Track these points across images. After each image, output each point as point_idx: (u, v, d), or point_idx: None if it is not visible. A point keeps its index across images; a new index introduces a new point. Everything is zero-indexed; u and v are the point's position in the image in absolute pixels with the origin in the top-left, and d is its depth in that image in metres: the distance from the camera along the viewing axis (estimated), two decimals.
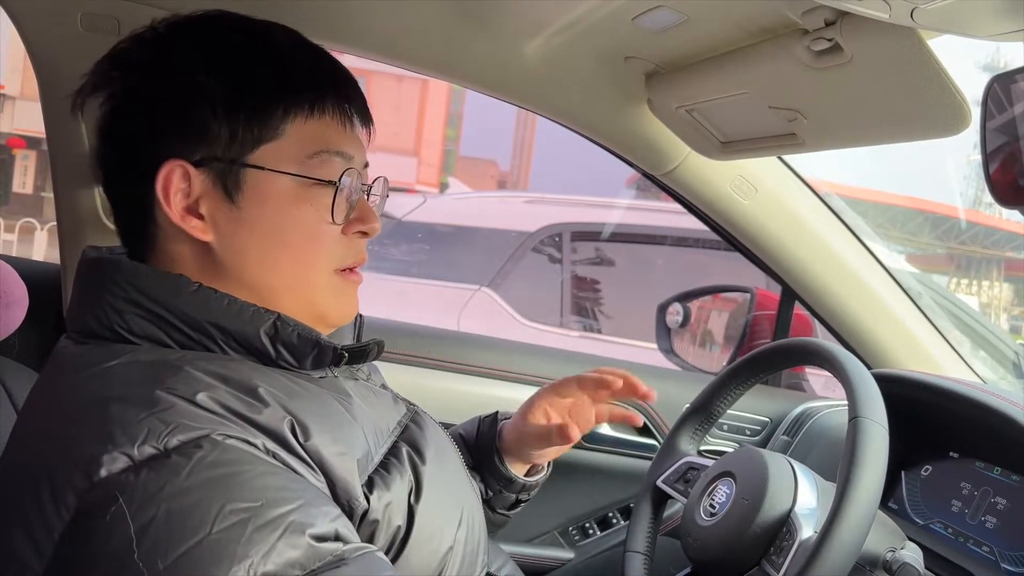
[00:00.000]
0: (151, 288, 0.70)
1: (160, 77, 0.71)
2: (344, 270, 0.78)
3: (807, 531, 0.86)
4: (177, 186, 0.70)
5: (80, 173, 1.28)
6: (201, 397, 0.63)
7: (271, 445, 0.63)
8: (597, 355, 1.80)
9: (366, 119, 0.79)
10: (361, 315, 0.88)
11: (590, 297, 3.97)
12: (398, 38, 1.22)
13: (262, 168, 0.71)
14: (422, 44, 1.23)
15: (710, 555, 0.95)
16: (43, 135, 1.25)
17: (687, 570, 1.03)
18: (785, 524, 0.89)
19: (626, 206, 4.27)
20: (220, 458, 0.60)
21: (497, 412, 1.05)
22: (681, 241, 3.69)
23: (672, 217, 3.64)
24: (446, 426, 0.96)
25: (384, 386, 0.87)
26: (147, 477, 0.58)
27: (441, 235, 3.92)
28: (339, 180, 0.74)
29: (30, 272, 1.11)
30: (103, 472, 0.58)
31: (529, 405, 1.01)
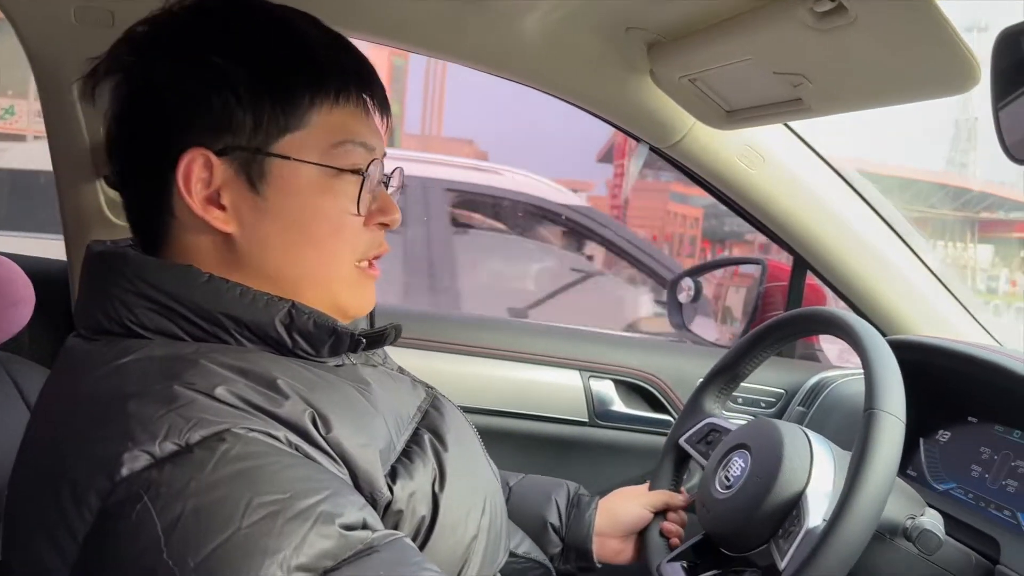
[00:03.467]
0: (161, 280, 0.68)
1: (180, 61, 0.69)
2: (364, 263, 0.77)
3: (815, 519, 0.85)
4: (198, 175, 0.68)
5: (82, 168, 1.27)
6: (220, 391, 0.62)
7: (293, 438, 0.62)
8: (607, 334, 1.79)
9: (385, 109, 0.78)
10: None
11: None
12: (400, 21, 1.22)
13: (288, 158, 0.70)
14: (423, 26, 1.22)
15: (721, 529, 0.95)
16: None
17: (699, 536, 1.02)
18: (795, 507, 0.88)
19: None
20: (244, 451, 0.59)
21: (596, 496, 1.10)
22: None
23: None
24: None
25: (401, 370, 0.86)
26: (171, 473, 0.57)
27: None
28: (366, 170, 0.74)
29: (37, 269, 1.11)
30: (124, 471, 0.57)
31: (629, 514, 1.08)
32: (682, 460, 1.13)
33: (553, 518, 1.06)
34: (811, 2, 0.85)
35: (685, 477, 1.14)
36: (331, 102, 0.72)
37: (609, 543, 1.08)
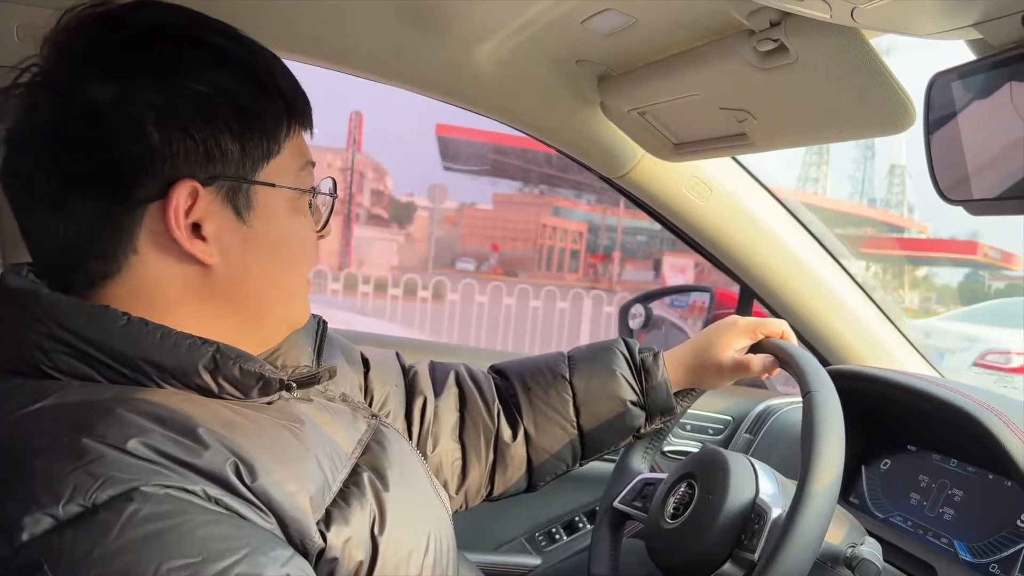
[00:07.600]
0: (75, 324, 0.63)
1: (155, 87, 0.63)
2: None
3: (776, 511, 0.87)
4: (181, 207, 0.65)
5: None
6: (132, 444, 0.57)
7: (212, 491, 0.58)
8: None
9: (311, 128, 0.78)
10: (325, 322, 0.87)
11: None
12: (348, 46, 1.21)
13: (273, 185, 0.69)
14: (372, 51, 1.21)
15: (681, 557, 0.94)
16: None
17: None
18: (752, 511, 0.89)
19: None
20: (154, 511, 0.54)
21: (653, 348, 1.07)
22: None
23: None
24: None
25: (344, 396, 0.83)
26: (73, 539, 0.52)
27: None
28: (333, 190, 0.75)
29: None
30: (25, 536, 0.52)
31: (717, 344, 1.05)
32: (620, 522, 1.11)
33: (628, 394, 1.04)
34: (755, 41, 0.87)
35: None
36: (299, 126, 0.72)
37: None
